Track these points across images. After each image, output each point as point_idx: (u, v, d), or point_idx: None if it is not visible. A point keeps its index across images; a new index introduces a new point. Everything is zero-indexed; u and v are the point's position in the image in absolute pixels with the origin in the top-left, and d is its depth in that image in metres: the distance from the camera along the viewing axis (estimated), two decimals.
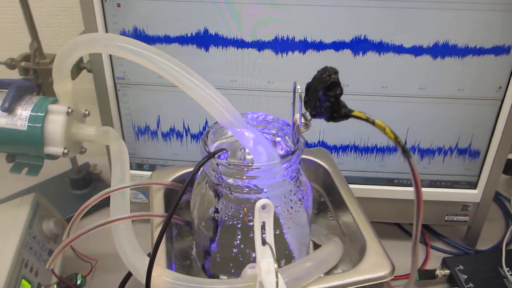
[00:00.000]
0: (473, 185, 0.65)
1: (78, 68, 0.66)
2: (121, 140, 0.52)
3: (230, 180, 0.36)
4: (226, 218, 0.38)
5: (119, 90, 0.63)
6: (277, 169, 0.36)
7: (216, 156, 0.36)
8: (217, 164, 0.36)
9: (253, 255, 0.36)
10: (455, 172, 0.65)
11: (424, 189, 0.65)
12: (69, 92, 0.53)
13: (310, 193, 0.41)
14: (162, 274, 0.36)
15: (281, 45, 0.57)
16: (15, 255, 0.52)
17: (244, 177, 0.36)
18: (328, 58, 0.57)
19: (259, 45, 0.57)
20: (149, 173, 0.56)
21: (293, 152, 0.37)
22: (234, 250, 0.39)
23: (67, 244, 0.42)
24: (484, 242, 0.70)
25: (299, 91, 0.34)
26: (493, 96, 0.59)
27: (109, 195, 0.44)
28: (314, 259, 0.38)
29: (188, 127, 0.66)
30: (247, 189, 0.37)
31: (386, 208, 0.67)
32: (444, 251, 0.69)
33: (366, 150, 0.64)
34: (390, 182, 0.66)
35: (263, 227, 0.34)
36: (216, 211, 0.38)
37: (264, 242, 0.34)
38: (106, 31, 0.59)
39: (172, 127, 0.66)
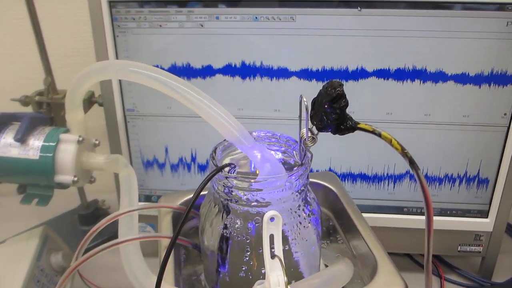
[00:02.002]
0: (485, 214, 0.64)
1: (89, 102, 0.68)
2: (130, 167, 0.53)
3: (239, 194, 0.36)
4: (235, 234, 0.37)
5: (128, 122, 0.65)
6: (284, 182, 0.36)
7: (224, 170, 0.37)
8: (226, 177, 0.36)
9: (263, 272, 0.35)
10: (465, 201, 0.64)
11: (434, 218, 0.65)
12: (80, 122, 0.54)
13: (319, 210, 0.41)
14: None
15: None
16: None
17: (252, 190, 0.36)
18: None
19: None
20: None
21: (300, 165, 0.37)
22: (244, 268, 0.38)
23: (75, 268, 0.42)
24: (500, 274, 0.67)
25: (305, 103, 0.35)
26: (499, 122, 0.59)
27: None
28: (322, 276, 0.37)
29: (195, 156, 0.66)
30: (255, 203, 0.36)
31: (396, 237, 0.66)
32: (459, 283, 0.67)
33: (375, 178, 0.64)
34: (399, 210, 0.66)
35: (271, 240, 0.34)
36: (225, 227, 0.38)
37: (273, 255, 0.34)
38: None
39: (180, 158, 0.67)
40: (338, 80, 0.35)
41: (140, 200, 0.70)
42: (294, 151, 0.41)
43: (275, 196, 0.36)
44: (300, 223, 0.38)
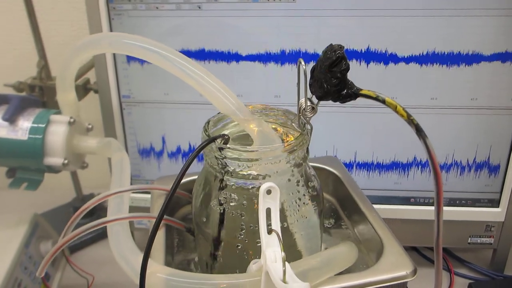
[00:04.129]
0: (496, 203, 0.61)
1: (84, 89, 0.66)
2: (124, 150, 0.51)
3: (233, 166, 0.34)
4: (230, 210, 0.35)
5: (124, 109, 0.63)
6: (281, 152, 0.33)
7: (217, 140, 0.34)
8: (219, 149, 0.34)
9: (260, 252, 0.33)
10: (474, 189, 0.61)
11: (443, 208, 0.62)
12: (72, 102, 0.52)
13: (320, 188, 0.38)
14: (157, 270, 0.33)
15: None
16: (7, 273, 0.49)
17: (247, 161, 0.33)
18: None
19: None
20: None
21: (298, 136, 0.35)
22: (239, 246, 0.35)
23: (62, 246, 0.39)
24: None
25: (304, 67, 0.33)
26: (508, 105, 0.57)
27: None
28: (322, 256, 0.35)
29: (194, 146, 0.64)
30: (250, 176, 0.34)
31: (402, 230, 0.63)
32: (469, 277, 0.64)
33: (380, 166, 0.62)
34: (406, 201, 0.63)
35: (268, 214, 0.31)
36: (219, 203, 0.35)
37: (269, 230, 0.31)
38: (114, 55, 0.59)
39: (178, 147, 0.64)
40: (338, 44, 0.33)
41: (135, 192, 0.67)
42: (293, 124, 0.38)
43: (272, 168, 0.34)
44: (300, 199, 0.36)
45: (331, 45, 0.33)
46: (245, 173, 0.34)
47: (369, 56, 0.55)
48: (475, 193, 0.61)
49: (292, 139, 0.36)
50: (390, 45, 0.55)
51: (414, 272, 0.35)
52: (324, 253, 0.36)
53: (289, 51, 0.56)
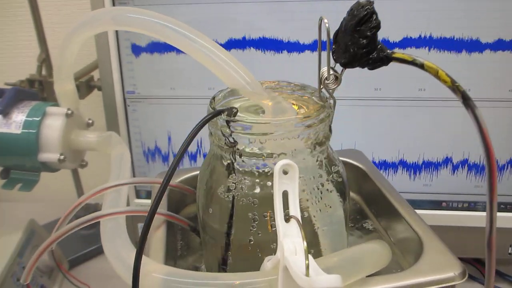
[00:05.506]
0: None
1: (88, 86, 0.62)
2: (124, 144, 0.46)
3: (244, 142, 0.29)
4: (240, 198, 0.30)
5: (128, 106, 0.59)
6: (300, 126, 0.28)
7: (224, 114, 0.29)
8: (227, 122, 0.29)
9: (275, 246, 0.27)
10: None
11: (477, 214, 0.56)
12: (70, 93, 0.48)
13: (345, 173, 0.32)
14: (154, 270, 0.28)
15: None
16: None
17: (260, 135, 0.28)
18: None
19: None
20: None
21: (319, 108, 0.30)
22: (251, 241, 0.30)
23: (50, 243, 0.34)
24: None
25: (327, 25, 0.28)
26: None
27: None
28: (350, 253, 0.29)
29: (200, 144, 0.59)
30: (263, 155, 0.29)
31: None
32: None
33: (406, 166, 0.56)
34: (437, 205, 0.56)
35: (285, 199, 0.26)
36: (228, 190, 0.30)
37: (287, 217, 0.26)
38: (118, 44, 0.55)
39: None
40: None
41: (140, 197, 0.63)
42: (314, 98, 0.33)
43: (289, 146, 0.28)
44: (322, 185, 0.30)
45: (358, 2, 0.28)
46: (257, 151, 0.28)
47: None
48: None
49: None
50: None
51: (463, 274, 0.29)
52: (352, 250, 0.30)
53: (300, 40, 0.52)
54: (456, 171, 0.55)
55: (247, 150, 0.29)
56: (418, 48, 0.50)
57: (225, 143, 0.30)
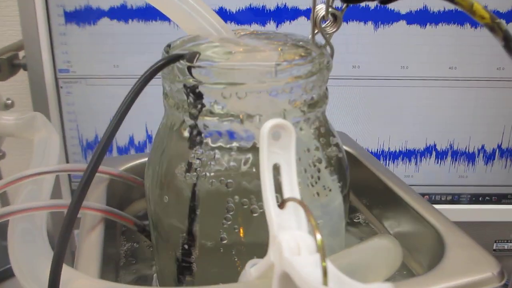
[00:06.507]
0: None
1: (11, 66, 0.51)
2: (51, 126, 0.36)
3: (211, 101, 0.20)
4: (208, 177, 0.21)
5: (61, 87, 0.49)
6: (282, 74, 0.20)
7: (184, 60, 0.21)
8: (188, 69, 0.20)
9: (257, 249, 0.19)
10: (502, 182, 0.50)
11: (463, 207, 0.51)
12: None
13: (342, 148, 0.25)
14: (83, 286, 0.18)
15: None
16: None
17: (231, 85, 0.20)
18: None
19: None
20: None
21: (308, 54, 0.22)
22: (223, 240, 0.21)
23: None
24: None
25: None
26: None
27: None
28: (356, 253, 0.22)
29: (151, 135, 0.50)
30: (238, 116, 0.20)
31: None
32: None
33: (439, 154, 0.49)
34: (474, 199, 0.51)
35: (276, 174, 0.18)
36: (190, 168, 0.21)
37: (282, 201, 0.18)
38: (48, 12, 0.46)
39: (131, 138, 0.50)
40: None
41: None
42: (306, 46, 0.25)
43: (276, 103, 0.20)
44: (320, 161, 0.22)
45: None
46: (229, 112, 0.20)
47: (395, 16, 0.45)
48: (502, 187, 0.50)
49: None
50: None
51: (502, 274, 0.22)
52: (357, 249, 0.23)
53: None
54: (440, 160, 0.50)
55: (218, 110, 0.20)
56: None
57: (188, 101, 0.21)
